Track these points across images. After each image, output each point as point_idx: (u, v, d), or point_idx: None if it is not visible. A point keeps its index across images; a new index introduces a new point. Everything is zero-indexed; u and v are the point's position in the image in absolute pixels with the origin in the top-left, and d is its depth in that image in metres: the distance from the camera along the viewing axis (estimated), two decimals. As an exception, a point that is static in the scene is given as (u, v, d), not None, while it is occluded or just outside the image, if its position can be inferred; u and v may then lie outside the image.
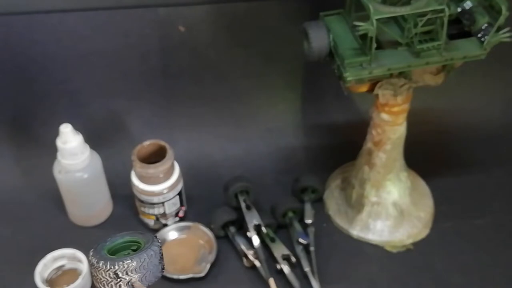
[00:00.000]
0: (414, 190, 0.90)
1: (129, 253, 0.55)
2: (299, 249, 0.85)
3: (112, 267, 0.53)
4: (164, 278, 0.83)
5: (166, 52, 0.92)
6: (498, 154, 1.00)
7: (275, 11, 0.91)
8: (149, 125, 0.97)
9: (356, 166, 0.89)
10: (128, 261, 0.53)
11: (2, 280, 0.84)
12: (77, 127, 0.83)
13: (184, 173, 0.88)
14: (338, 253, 0.86)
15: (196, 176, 0.95)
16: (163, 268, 0.56)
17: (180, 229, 0.89)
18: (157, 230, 0.88)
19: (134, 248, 0.56)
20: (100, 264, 0.53)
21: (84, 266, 0.80)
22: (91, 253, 0.55)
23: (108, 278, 0.53)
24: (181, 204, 0.89)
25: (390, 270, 0.85)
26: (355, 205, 0.89)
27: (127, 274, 0.53)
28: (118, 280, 0.53)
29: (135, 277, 0.53)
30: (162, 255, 0.56)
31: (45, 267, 0.81)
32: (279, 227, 0.88)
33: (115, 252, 0.56)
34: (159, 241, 0.56)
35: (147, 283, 0.54)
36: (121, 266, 0.53)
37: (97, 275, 0.54)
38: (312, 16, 0.77)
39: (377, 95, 0.79)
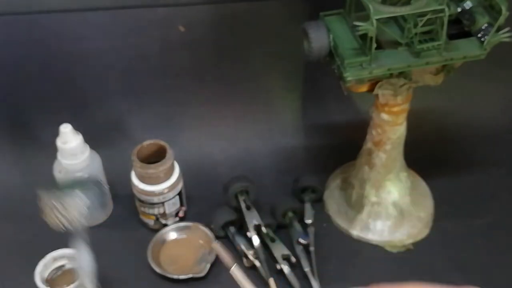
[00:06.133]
0: (414, 190, 0.90)
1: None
2: (299, 249, 0.85)
3: (47, 198, 0.56)
4: (164, 278, 0.83)
5: (166, 52, 0.92)
6: (498, 154, 1.00)
7: (275, 11, 0.91)
8: (149, 125, 0.97)
9: (356, 166, 0.89)
10: (54, 193, 0.57)
11: (2, 280, 0.84)
12: (77, 127, 0.83)
13: (184, 173, 0.88)
14: (338, 253, 0.86)
15: (196, 176, 0.95)
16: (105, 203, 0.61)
17: (180, 229, 0.89)
18: (157, 230, 0.88)
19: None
20: (49, 199, 0.57)
21: (84, 266, 0.80)
22: (41, 193, 0.60)
23: (45, 206, 0.57)
24: (181, 204, 0.89)
25: (390, 270, 0.85)
26: (355, 205, 0.89)
27: (54, 206, 0.57)
28: (52, 209, 0.57)
29: (62, 210, 0.59)
30: (104, 192, 0.61)
31: (45, 267, 0.81)
32: (279, 227, 0.88)
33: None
34: (100, 183, 0.60)
35: (80, 219, 0.58)
36: (51, 197, 0.57)
37: (51, 210, 0.58)
38: (312, 16, 0.77)
39: (377, 95, 0.79)
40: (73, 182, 0.62)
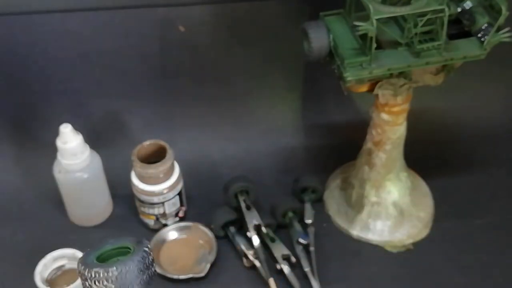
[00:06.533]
0: (414, 190, 0.90)
1: (117, 261, 0.55)
2: (299, 249, 0.85)
3: (87, 274, 0.52)
4: (164, 278, 0.83)
5: (166, 52, 0.92)
6: (498, 154, 1.00)
7: (275, 11, 0.91)
8: (149, 125, 0.97)
9: (356, 166, 0.89)
10: (96, 269, 0.52)
11: (2, 280, 0.84)
12: (77, 127, 0.83)
13: (184, 173, 0.88)
14: (338, 253, 0.86)
15: (196, 176, 0.95)
16: (150, 278, 0.55)
17: (180, 229, 0.89)
18: (157, 230, 0.88)
19: (127, 253, 0.56)
20: (80, 268, 0.53)
21: (84, 266, 0.80)
22: (80, 258, 0.55)
23: (85, 283, 0.53)
24: (181, 204, 0.89)
25: (390, 270, 0.85)
26: (355, 205, 0.89)
27: (97, 283, 0.53)
28: (90, 287, 0.53)
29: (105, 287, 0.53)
30: (146, 266, 0.55)
31: (45, 267, 0.81)
32: (279, 227, 0.88)
33: (106, 259, 0.56)
34: (147, 252, 0.55)
35: None
36: (92, 274, 0.52)
37: (80, 278, 0.54)
38: (312, 16, 0.77)
39: (377, 95, 0.79)
40: (114, 249, 0.57)
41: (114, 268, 0.53)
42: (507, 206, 0.92)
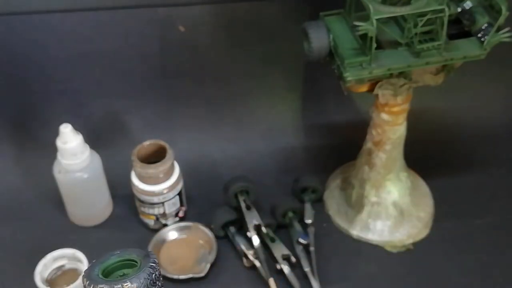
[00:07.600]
0: (414, 190, 0.90)
1: (123, 275, 0.54)
2: (299, 249, 0.85)
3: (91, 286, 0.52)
4: (164, 278, 0.83)
5: (166, 52, 0.92)
6: (498, 154, 1.00)
7: (275, 11, 0.91)
8: (149, 125, 0.97)
9: (356, 166, 0.89)
10: (101, 286, 0.52)
11: (2, 280, 0.84)
12: (77, 127, 0.83)
13: (184, 173, 0.88)
14: (338, 253, 0.86)
15: (196, 176, 0.95)
16: None
17: (180, 229, 0.89)
18: (157, 230, 0.88)
19: (133, 266, 0.55)
20: (85, 283, 0.52)
21: (84, 266, 0.80)
22: (85, 271, 0.54)
23: None
24: (181, 204, 0.89)
25: (390, 270, 0.85)
26: (355, 205, 0.89)
27: None
28: None
29: None
30: (153, 282, 0.54)
31: (45, 267, 0.81)
32: (279, 227, 0.88)
33: (110, 272, 0.55)
34: (154, 267, 0.54)
35: None
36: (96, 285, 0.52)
37: None
38: (312, 16, 0.77)
39: (377, 95, 0.79)
40: (120, 262, 0.56)
41: (120, 286, 0.52)
42: (507, 206, 0.92)
